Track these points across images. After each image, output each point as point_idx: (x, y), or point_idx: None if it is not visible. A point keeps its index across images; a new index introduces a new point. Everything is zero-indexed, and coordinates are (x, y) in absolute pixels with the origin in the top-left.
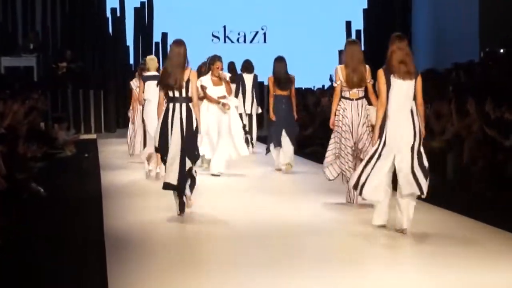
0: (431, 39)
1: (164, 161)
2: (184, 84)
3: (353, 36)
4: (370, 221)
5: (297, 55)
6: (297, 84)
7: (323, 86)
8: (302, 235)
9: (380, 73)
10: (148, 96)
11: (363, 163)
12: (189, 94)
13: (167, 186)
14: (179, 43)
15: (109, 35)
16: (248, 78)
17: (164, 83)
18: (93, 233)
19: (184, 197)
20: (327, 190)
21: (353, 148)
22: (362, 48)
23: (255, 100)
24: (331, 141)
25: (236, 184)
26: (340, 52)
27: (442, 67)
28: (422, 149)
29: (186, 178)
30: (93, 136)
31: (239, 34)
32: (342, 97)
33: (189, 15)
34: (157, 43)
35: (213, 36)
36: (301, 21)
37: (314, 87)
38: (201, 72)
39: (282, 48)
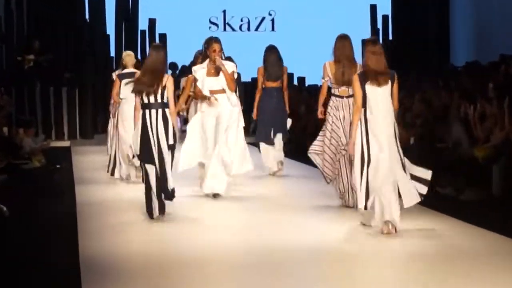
0: (472, 27)
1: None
2: (159, 90)
3: (379, 23)
4: (380, 249)
5: (311, 46)
6: (312, 81)
7: None
8: (304, 263)
9: (355, 78)
10: (125, 95)
11: (358, 179)
12: (165, 100)
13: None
14: (158, 48)
15: (86, 21)
16: None
17: (139, 88)
18: (67, 258)
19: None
20: (328, 200)
21: (338, 151)
22: (390, 37)
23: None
24: (319, 138)
25: (223, 197)
26: (363, 42)
27: (485, 60)
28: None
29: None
30: (66, 143)
31: (242, 20)
32: (332, 94)
33: None
34: (143, 32)
35: (211, 22)
36: (316, 5)
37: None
38: (197, 63)
39: (294, 37)
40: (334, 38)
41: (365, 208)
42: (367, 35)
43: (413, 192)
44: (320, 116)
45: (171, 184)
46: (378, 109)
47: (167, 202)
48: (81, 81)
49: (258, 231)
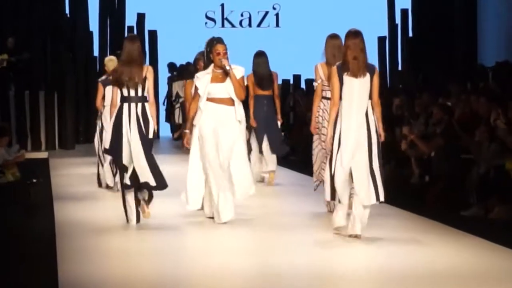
0: (503, 22)
1: (117, 164)
2: (140, 82)
3: (398, 18)
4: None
5: (321, 44)
6: None
7: None
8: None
9: (334, 70)
10: (108, 102)
11: (326, 172)
12: (145, 93)
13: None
14: (132, 39)
15: (66, 17)
16: None
17: (118, 80)
18: (45, 283)
19: (139, 205)
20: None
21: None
22: (409, 34)
23: None
24: (314, 146)
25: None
26: (380, 39)
27: None
28: (378, 153)
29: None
30: (43, 154)
31: (242, 15)
32: (322, 97)
33: None
34: (130, 28)
35: (207, 18)
36: None
37: None
38: (197, 68)
39: (300, 34)
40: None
41: (332, 199)
42: (384, 31)
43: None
44: (313, 131)
45: (152, 181)
46: (352, 100)
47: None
48: (61, 85)
49: (265, 254)
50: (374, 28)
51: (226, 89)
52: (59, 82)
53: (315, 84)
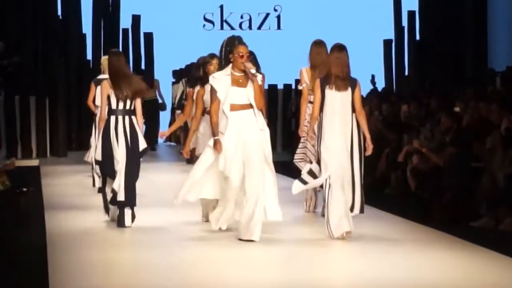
0: None
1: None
2: (129, 95)
3: (404, 20)
4: None
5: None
6: None
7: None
8: None
9: (317, 83)
10: (99, 102)
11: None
12: (132, 107)
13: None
14: (117, 54)
15: (58, 19)
16: None
17: (119, 95)
18: None
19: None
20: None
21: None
22: (416, 37)
23: None
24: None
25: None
26: (386, 42)
27: None
28: (360, 165)
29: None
30: (34, 162)
31: (242, 17)
32: (308, 101)
33: None
34: (125, 30)
35: (205, 20)
36: None
37: None
38: (205, 73)
39: (303, 36)
40: (353, 39)
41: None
42: (390, 34)
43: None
44: (301, 134)
45: (122, 196)
46: (335, 113)
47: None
48: (53, 90)
49: (290, 267)
50: (380, 30)
51: (247, 94)
52: (51, 86)
53: (300, 87)
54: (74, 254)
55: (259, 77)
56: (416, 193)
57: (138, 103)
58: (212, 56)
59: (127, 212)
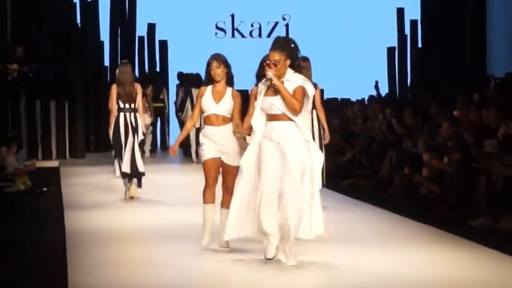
0: None
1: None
2: (133, 97)
3: (407, 29)
4: None
5: (332, 55)
6: (330, 94)
7: (370, 96)
8: None
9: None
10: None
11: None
12: (136, 106)
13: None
14: (126, 64)
15: (77, 26)
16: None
17: (119, 95)
18: None
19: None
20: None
21: None
22: (419, 44)
23: None
24: None
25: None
26: (389, 49)
27: None
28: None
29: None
30: (54, 163)
31: (252, 25)
32: None
33: (184, 1)
34: (141, 38)
35: (217, 28)
36: (337, 8)
37: (363, 98)
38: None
39: (311, 44)
40: (358, 47)
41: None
42: (393, 42)
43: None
44: None
45: (141, 168)
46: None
47: None
48: (72, 94)
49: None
50: (384, 38)
51: (280, 103)
52: (70, 91)
53: None
54: (92, 251)
55: (300, 77)
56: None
57: (139, 100)
58: (213, 57)
59: (133, 182)
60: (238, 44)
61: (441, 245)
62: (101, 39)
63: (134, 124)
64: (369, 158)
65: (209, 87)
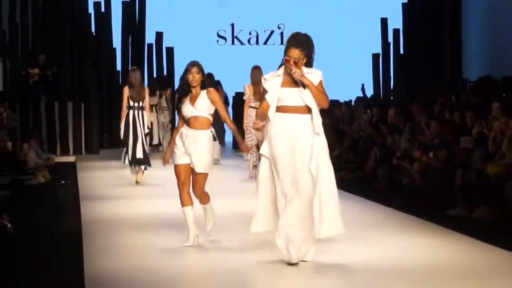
0: (487, 40)
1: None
2: (141, 97)
3: (390, 37)
4: None
5: (322, 61)
6: None
7: (357, 98)
8: None
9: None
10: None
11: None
12: (142, 105)
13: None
14: (135, 70)
15: (92, 35)
16: None
17: (130, 95)
18: (71, 278)
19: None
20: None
21: None
22: (401, 51)
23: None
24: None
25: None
26: (374, 56)
27: (499, 74)
28: None
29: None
30: (71, 158)
31: (250, 34)
32: (250, 106)
33: (189, 11)
34: (150, 45)
35: (219, 36)
36: (326, 18)
37: (350, 99)
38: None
39: None
40: (345, 53)
41: None
42: (378, 49)
43: None
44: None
45: (143, 156)
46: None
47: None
48: (87, 96)
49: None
50: (369, 45)
51: (301, 94)
52: (86, 93)
53: (244, 97)
54: (106, 238)
55: (317, 73)
56: (401, 185)
57: (147, 100)
58: (193, 64)
59: (141, 168)
60: (237, 51)
61: (420, 233)
62: (114, 46)
63: (141, 120)
64: (356, 154)
65: (188, 96)
